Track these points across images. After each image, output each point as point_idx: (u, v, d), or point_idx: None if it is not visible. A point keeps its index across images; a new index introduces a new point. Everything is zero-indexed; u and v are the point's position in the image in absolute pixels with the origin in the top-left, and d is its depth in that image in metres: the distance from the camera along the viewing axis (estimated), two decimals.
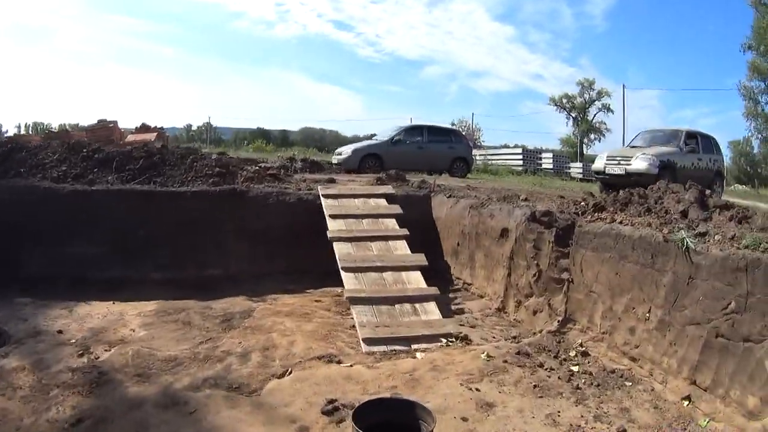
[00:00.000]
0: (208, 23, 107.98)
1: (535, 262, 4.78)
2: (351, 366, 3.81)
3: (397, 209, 6.82)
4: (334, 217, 6.53)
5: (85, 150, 8.42)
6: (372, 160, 12.97)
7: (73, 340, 4.46)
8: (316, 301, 5.79)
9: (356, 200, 7.13)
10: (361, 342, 4.35)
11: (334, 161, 13.40)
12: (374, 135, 15.76)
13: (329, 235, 6.12)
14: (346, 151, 13.40)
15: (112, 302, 5.62)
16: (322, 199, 7.05)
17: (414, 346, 4.26)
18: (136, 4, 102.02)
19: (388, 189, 7.62)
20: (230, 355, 4.16)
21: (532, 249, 4.83)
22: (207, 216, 6.82)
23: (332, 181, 8.85)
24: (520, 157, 29.04)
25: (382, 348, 4.24)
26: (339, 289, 5.73)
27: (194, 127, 40.17)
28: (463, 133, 21.19)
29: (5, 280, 5.79)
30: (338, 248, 5.88)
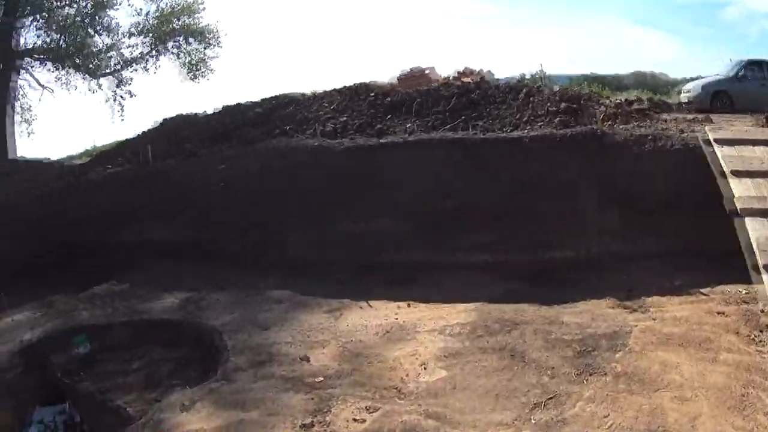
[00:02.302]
0: None
1: None
2: None
3: None
4: (737, 173, 4.70)
5: (372, 94, 7.07)
6: (721, 98, 11.34)
7: (318, 379, 2.98)
8: (717, 313, 4.15)
9: (756, 149, 5.06)
10: None
11: (683, 99, 11.97)
12: (699, 77, 14.29)
13: (738, 204, 4.45)
14: (694, 87, 12.06)
15: (404, 303, 4.12)
16: (714, 145, 5.08)
17: None
18: None
19: None
20: None
21: None
22: (551, 171, 5.06)
23: (709, 120, 6.46)
24: None
25: None
26: (743, 288, 4.28)
27: (527, 76, 39.88)
28: None
29: (264, 264, 4.71)
30: (752, 228, 4.16)
